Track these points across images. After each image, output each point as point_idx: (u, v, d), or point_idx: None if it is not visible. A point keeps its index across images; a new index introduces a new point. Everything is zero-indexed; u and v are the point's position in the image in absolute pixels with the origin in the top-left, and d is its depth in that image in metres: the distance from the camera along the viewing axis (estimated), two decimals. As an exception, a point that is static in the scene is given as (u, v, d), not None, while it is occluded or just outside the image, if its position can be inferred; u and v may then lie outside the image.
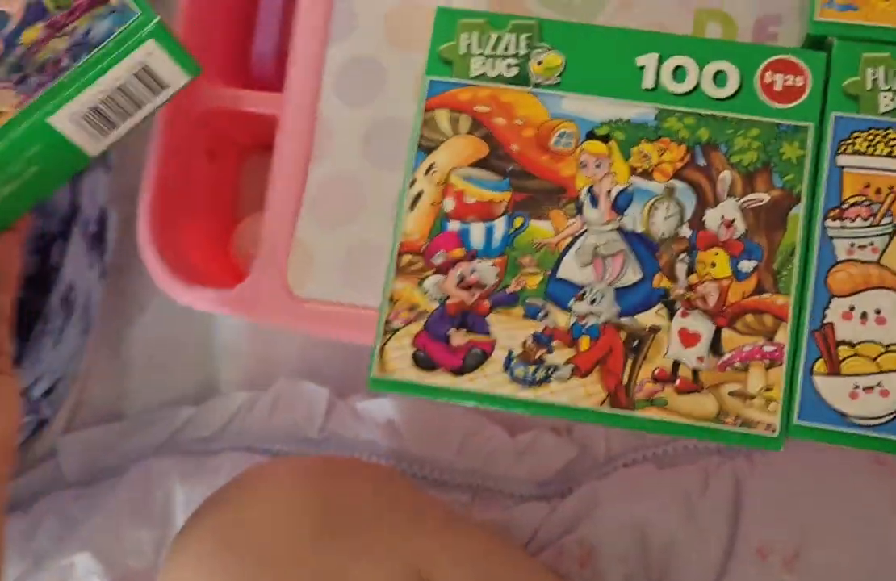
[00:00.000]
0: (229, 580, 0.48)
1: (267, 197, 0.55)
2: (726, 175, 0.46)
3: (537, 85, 0.48)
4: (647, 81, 0.47)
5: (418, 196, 0.48)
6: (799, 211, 0.45)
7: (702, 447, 0.62)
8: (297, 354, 0.68)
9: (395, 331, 0.47)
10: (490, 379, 0.46)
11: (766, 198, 0.46)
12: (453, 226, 0.47)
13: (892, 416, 0.43)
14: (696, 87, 0.47)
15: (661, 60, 0.47)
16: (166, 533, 0.61)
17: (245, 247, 0.62)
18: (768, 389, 0.44)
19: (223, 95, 0.58)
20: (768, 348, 0.44)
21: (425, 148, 0.48)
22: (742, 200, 0.46)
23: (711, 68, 0.47)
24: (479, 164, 0.48)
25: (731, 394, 0.44)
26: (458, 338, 0.46)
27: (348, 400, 0.66)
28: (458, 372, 0.46)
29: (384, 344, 0.47)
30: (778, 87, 0.46)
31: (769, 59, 0.47)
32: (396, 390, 0.47)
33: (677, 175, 0.46)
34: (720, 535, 0.59)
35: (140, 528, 0.62)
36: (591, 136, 0.47)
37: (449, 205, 0.48)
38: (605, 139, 0.47)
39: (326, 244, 0.55)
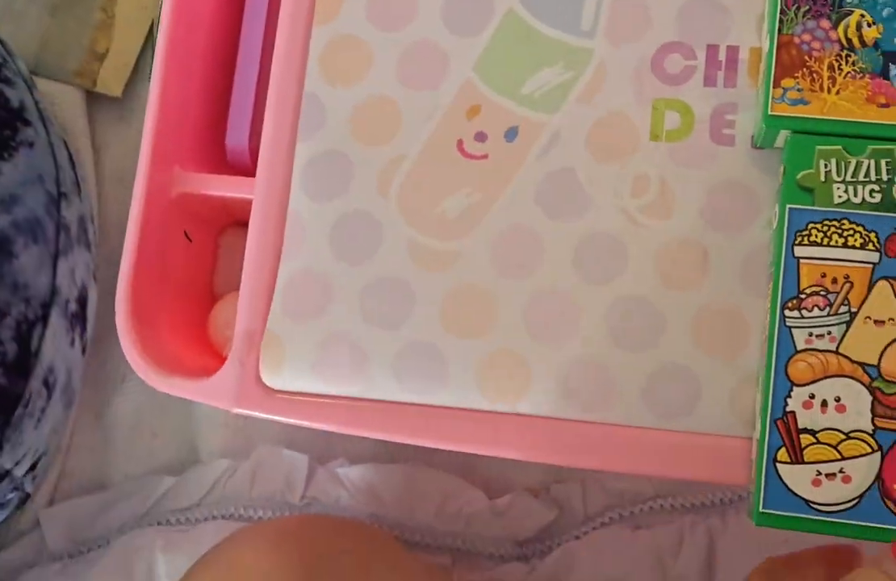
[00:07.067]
0: None
1: (240, 291, 0.56)
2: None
3: None
4: None
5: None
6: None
7: (678, 505, 0.63)
8: (277, 423, 0.65)
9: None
10: None
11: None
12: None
13: (854, 502, 0.45)
14: None
15: None
16: (149, 604, 0.61)
17: (221, 329, 0.63)
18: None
19: (197, 180, 0.60)
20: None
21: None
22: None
23: None
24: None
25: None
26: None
27: (328, 465, 0.67)
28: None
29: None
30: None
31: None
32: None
33: None
34: (693, 594, 0.61)
35: (123, 600, 0.62)
36: None
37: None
38: None
39: (296, 337, 0.53)
